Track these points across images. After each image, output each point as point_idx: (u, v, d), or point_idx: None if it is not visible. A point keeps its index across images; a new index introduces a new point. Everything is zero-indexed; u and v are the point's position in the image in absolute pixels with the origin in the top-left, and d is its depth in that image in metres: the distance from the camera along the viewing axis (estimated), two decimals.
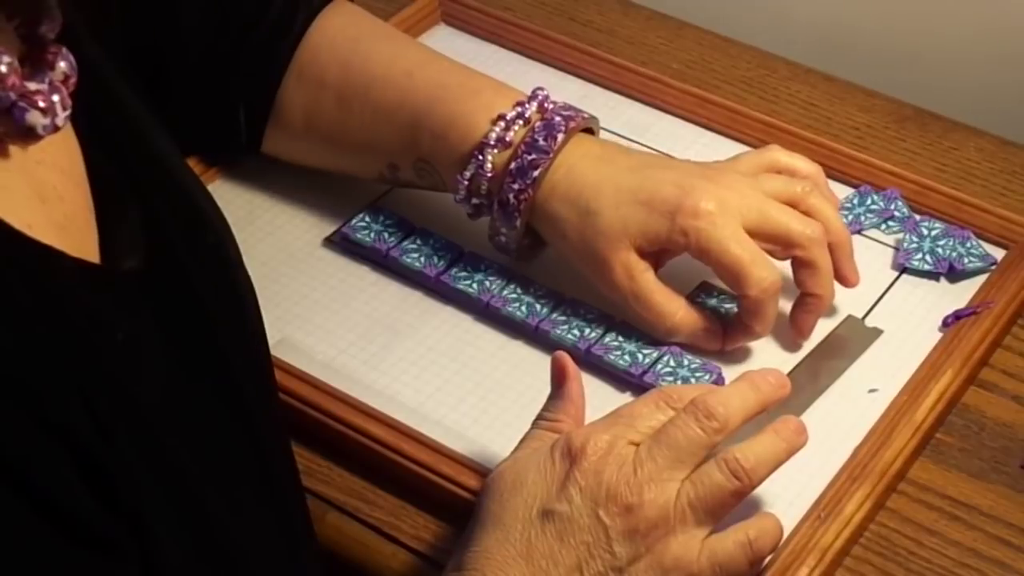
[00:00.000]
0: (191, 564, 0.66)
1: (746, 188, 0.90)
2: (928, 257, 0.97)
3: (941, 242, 0.97)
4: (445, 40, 1.14)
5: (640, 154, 0.95)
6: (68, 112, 0.65)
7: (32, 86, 0.64)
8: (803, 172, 0.95)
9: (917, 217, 1.00)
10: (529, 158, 0.92)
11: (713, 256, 0.89)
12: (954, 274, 0.96)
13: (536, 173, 0.91)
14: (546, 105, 0.94)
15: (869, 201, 1.01)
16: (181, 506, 0.66)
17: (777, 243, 0.90)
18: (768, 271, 0.89)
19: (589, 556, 0.75)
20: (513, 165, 0.92)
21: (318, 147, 1.01)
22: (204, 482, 0.69)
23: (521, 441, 0.81)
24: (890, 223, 1.00)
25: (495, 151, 0.93)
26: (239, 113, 1.00)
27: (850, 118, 1.10)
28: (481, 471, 0.83)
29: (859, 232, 1.00)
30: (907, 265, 0.97)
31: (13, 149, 0.64)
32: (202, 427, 0.71)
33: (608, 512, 0.75)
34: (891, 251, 0.99)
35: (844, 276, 0.92)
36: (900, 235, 0.99)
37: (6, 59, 0.62)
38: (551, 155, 0.92)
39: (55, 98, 0.64)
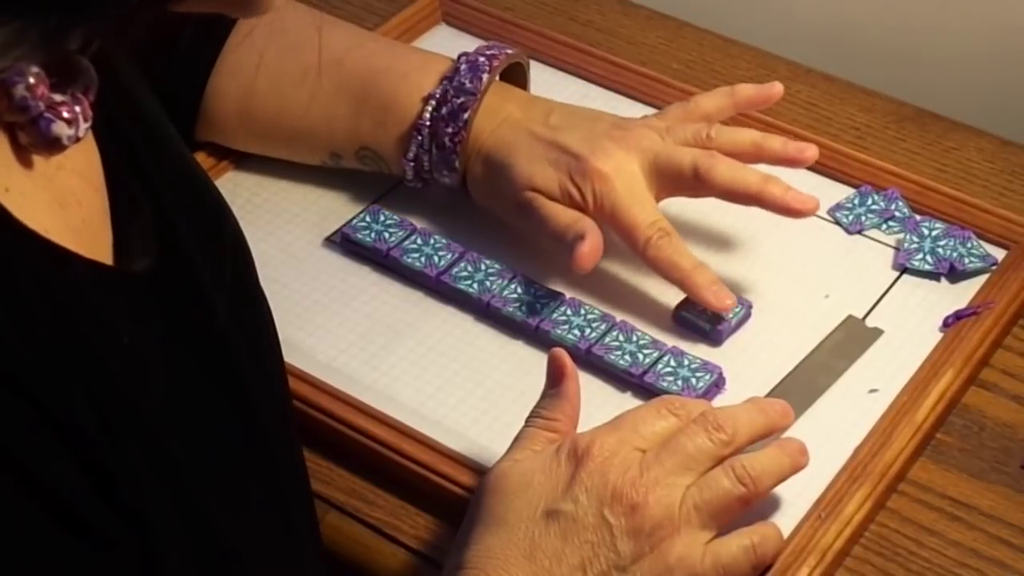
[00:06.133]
0: (191, 567, 0.66)
1: (648, 142, 0.94)
2: (929, 257, 0.97)
3: (942, 242, 0.97)
4: (445, 40, 1.14)
5: (562, 110, 0.98)
6: (89, 124, 0.66)
7: (57, 97, 0.64)
8: (716, 117, 0.98)
9: (918, 217, 1.00)
10: (458, 101, 0.96)
11: (607, 217, 0.93)
12: (955, 274, 0.96)
13: (466, 115, 0.96)
14: (468, 58, 0.98)
15: (870, 201, 1.01)
16: (183, 510, 0.66)
17: (679, 181, 0.93)
18: (653, 217, 0.92)
19: (593, 555, 0.75)
20: (444, 110, 0.96)
21: (254, 136, 1.02)
22: (209, 487, 0.69)
23: (516, 440, 0.81)
24: (891, 223, 1.00)
25: (429, 129, 0.97)
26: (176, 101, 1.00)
27: (850, 118, 1.09)
28: (481, 471, 0.83)
29: (860, 232, 1.00)
30: (908, 265, 0.97)
31: (36, 158, 0.65)
32: (208, 430, 0.71)
33: (613, 511, 0.75)
34: (892, 251, 0.99)
35: (788, 160, 0.95)
36: (901, 235, 0.99)
37: (34, 69, 0.63)
38: (478, 96, 0.96)
39: (77, 109, 0.65)
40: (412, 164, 0.98)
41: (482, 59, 0.97)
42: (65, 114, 0.64)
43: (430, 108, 0.97)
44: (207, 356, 0.72)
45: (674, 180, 0.94)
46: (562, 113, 0.97)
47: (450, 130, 0.96)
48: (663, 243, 0.92)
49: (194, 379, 0.71)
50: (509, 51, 0.99)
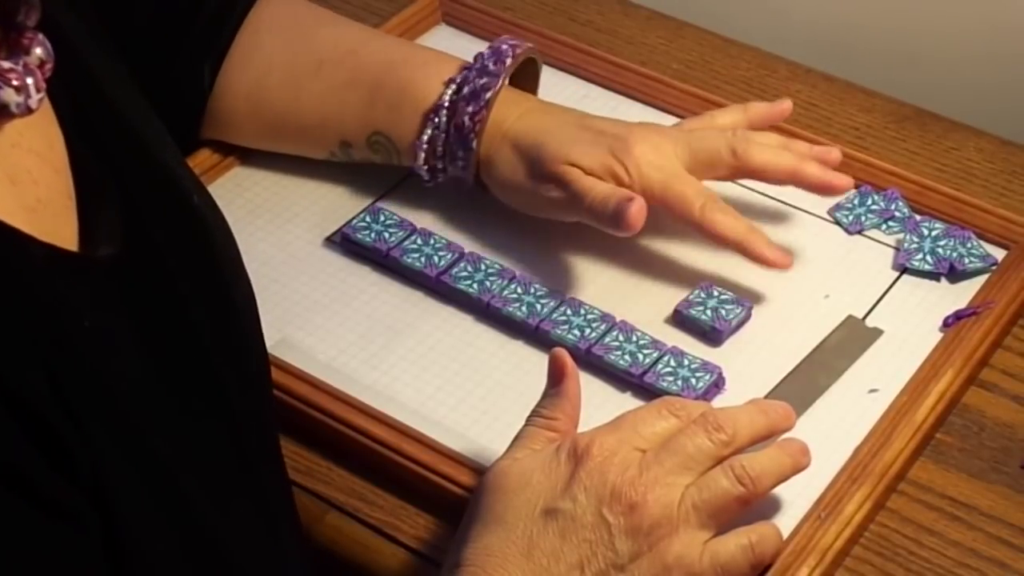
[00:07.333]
0: (165, 545, 0.66)
1: (679, 131, 0.97)
2: (929, 257, 0.97)
3: (942, 242, 0.97)
4: (445, 40, 1.14)
5: (582, 112, 0.99)
6: (42, 95, 0.65)
7: (6, 64, 0.64)
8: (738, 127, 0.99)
9: (918, 217, 1.00)
10: (481, 82, 0.96)
11: (655, 194, 0.93)
12: (954, 274, 0.96)
13: (488, 95, 0.96)
14: (491, 46, 0.99)
15: (870, 201, 1.01)
16: (157, 489, 0.66)
17: (716, 164, 0.95)
18: (699, 189, 0.93)
19: (591, 554, 0.75)
20: (466, 90, 0.96)
21: (264, 130, 1.02)
22: (182, 469, 0.69)
23: (516, 439, 0.81)
24: (891, 223, 1.00)
25: (447, 110, 0.97)
26: (180, 100, 1.00)
27: (850, 118, 1.10)
28: (481, 471, 0.83)
29: (860, 232, 1.00)
30: (908, 265, 0.97)
31: None
32: (184, 420, 0.71)
33: (612, 510, 0.75)
34: (891, 251, 0.99)
35: (822, 189, 0.96)
36: (901, 235, 0.99)
37: None
38: (501, 77, 0.96)
39: (29, 80, 0.64)
40: (425, 147, 0.97)
41: (505, 47, 0.98)
42: (14, 81, 0.64)
43: (451, 90, 0.97)
44: (176, 348, 0.72)
45: (711, 163, 0.95)
46: (584, 113, 0.98)
47: (471, 109, 0.96)
48: (717, 207, 0.93)
49: (165, 371, 0.70)
50: (529, 45, 1.00)
